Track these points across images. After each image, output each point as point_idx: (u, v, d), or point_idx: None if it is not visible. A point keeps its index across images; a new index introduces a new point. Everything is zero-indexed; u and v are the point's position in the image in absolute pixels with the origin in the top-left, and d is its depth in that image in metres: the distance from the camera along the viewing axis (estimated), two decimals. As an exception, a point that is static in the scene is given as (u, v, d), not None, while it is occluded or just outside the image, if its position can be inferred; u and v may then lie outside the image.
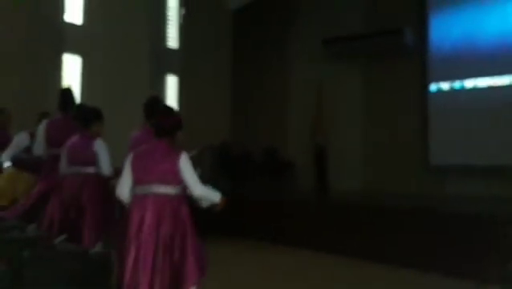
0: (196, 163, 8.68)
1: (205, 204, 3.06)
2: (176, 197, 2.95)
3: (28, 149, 4.36)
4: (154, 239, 2.83)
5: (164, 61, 9.13)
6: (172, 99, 9.39)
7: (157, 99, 4.05)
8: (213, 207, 3.10)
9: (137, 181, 2.96)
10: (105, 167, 3.80)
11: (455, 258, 5.04)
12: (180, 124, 3.10)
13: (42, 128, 4.18)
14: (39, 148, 4.18)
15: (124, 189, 3.02)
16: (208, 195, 3.05)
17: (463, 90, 7.82)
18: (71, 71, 7.84)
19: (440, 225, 5.35)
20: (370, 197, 7.72)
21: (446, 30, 8.01)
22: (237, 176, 9.32)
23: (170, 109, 3.21)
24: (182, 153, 3.00)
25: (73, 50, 7.77)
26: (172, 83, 9.47)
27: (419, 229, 5.49)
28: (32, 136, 4.38)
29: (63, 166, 3.86)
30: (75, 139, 3.85)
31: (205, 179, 3.15)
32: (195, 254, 2.88)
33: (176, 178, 2.93)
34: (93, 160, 3.78)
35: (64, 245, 3.08)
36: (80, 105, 4.21)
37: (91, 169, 3.78)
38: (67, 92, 4.31)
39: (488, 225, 5.01)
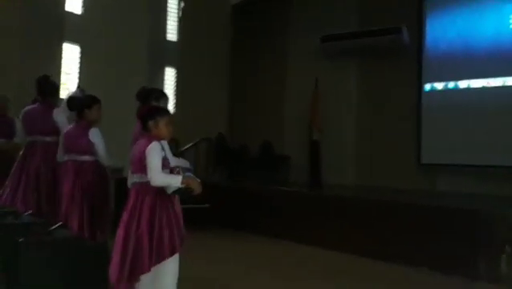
0: (192, 154, 8.75)
1: (169, 191, 2.91)
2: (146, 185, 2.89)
3: None
4: (128, 226, 2.87)
5: (163, 53, 9.20)
6: (169, 91, 9.47)
7: (144, 90, 3.94)
8: (186, 193, 2.92)
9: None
10: (102, 154, 3.84)
11: (445, 253, 5.06)
12: (145, 115, 3.00)
13: (20, 117, 4.32)
14: (20, 136, 4.40)
15: (129, 179, 3.12)
16: (166, 181, 2.89)
17: (456, 90, 7.92)
18: (70, 60, 7.92)
19: (431, 221, 5.38)
20: (361, 191, 7.82)
21: (442, 31, 8.09)
22: (233, 168, 9.43)
23: (147, 102, 3.30)
24: (152, 142, 2.90)
25: (72, 39, 7.83)
26: (169, 76, 9.55)
27: (410, 224, 5.53)
28: None
29: (60, 154, 3.95)
30: (71, 127, 3.91)
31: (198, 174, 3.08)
32: (149, 245, 2.84)
33: (143, 167, 2.87)
34: (89, 149, 3.81)
35: (59, 231, 3.07)
36: (71, 97, 4.22)
37: (86, 157, 3.83)
38: (42, 81, 4.32)
39: (478, 222, 5.03)
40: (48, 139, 4.17)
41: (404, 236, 5.54)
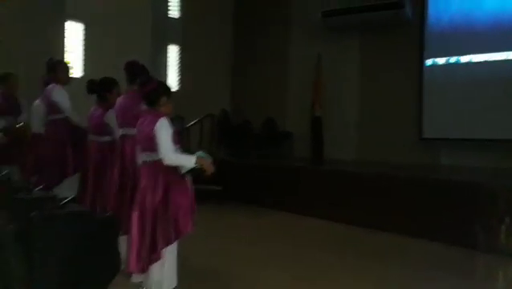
0: (197, 131, 8.85)
1: (184, 171, 2.89)
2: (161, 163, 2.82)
3: None
4: (142, 206, 2.84)
5: (166, 30, 9.20)
6: (173, 68, 9.52)
7: (133, 63, 4.10)
8: (199, 173, 2.90)
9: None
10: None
11: (446, 225, 5.18)
12: (156, 90, 2.93)
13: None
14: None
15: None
16: (178, 161, 2.84)
17: (458, 64, 7.92)
18: (74, 38, 7.95)
19: (433, 193, 5.49)
20: (362, 166, 7.92)
21: (444, 6, 8.03)
22: (236, 144, 9.55)
23: (147, 77, 3.18)
24: (160, 119, 2.82)
25: (76, 17, 7.84)
26: (173, 53, 9.57)
27: (412, 196, 5.65)
28: None
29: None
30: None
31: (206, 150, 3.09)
32: (163, 226, 2.79)
33: (152, 144, 2.81)
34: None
35: (70, 205, 3.10)
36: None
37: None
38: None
39: (479, 195, 5.11)
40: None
41: (404, 208, 5.66)
